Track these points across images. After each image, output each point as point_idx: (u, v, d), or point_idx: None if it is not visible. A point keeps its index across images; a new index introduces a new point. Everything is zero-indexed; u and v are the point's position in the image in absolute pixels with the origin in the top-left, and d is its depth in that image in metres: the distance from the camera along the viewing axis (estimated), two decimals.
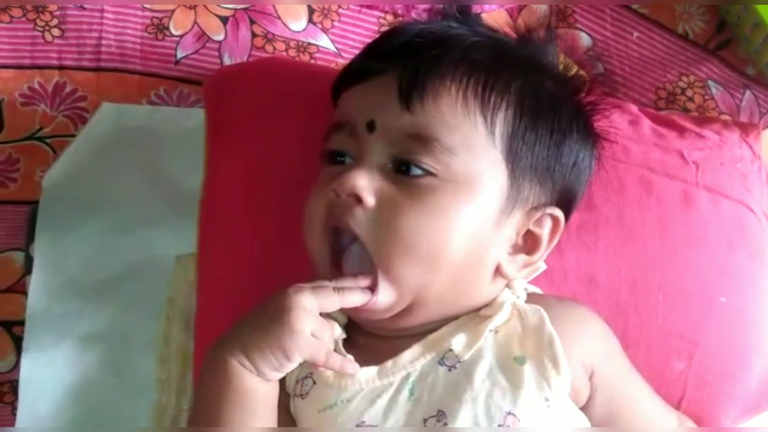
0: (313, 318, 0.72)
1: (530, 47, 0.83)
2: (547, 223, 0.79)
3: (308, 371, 0.79)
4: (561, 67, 0.85)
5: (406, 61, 0.76)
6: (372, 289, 0.75)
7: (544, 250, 0.80)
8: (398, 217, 0.73)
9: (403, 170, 0.75)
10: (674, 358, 0.90)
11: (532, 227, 0.79)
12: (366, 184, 0.74)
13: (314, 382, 0.79)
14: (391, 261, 0.74)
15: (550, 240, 0.80)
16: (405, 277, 0.74)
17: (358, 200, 0.74)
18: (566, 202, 0.82)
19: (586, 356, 0.79)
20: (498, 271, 0.78)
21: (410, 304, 0.76)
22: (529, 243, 0.79)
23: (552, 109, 0.79)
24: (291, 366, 0.73)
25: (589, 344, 0.80)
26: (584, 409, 0.80)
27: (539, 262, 0.81)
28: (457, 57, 0.76)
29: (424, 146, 0.74)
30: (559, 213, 0.80)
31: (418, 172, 0.74)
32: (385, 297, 0.75)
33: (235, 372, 0.73)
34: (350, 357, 0.77)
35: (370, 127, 0.76)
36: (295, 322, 0.71)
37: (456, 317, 0.79)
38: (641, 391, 0.84)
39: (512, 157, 0.76)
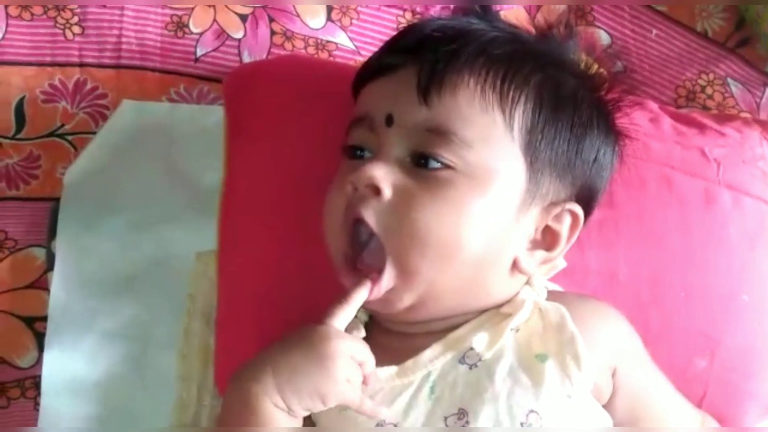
0: (351, 365, 0.73)
1: (550, 43, 0.83)
2: (567, 219, 0.79)
3: None
4: (582, 64, 0.85)
5: (424, 56, 0.77)
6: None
7: (563, 246, 0.80)
8: (413, 208, 0.74)
9: (421, 164, 0.75)
10: (696, 356, 0.90)
11: (551, 223, 0.79)
12: (383, 175, 0.75)
13: None
14: (404, 252, 0.74)
15: (570, 236, 0.80)
16: (417, 269, 0.74)
17: (376, 192, 0.75)
18: (587, 198, 0.82)
19: (608, 354, 0.79)
20: (516, 266, 0.78)
21: (423, 296, 0.76)
22: (548, 239, 0.79)
23: (572, 104, 0.79)
24: (324, 408, 0.74)
25: (611, 342, 0.80)
26: (606, 407, 0.80)
27: (558, 259, 0.81)
28: (475, 51, 0.76)
29: (441, 140, 0.74)
30: (578, 209, 0.79)
31: (435, 165, 0.74)
32: (388, 282, 0.75)
33: (267, 409, 0.73)
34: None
35: (389, 121, 0.77)
36: (338, 371, 0.72)
37: (475, 313, 0.79)
38: (663, 389, 0.84)
39: (531, 151, 0.76)
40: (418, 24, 0.86)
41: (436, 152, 0.74)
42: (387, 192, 0.75)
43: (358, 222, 0.76)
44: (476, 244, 0.75)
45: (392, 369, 0.77)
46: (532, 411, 0.73)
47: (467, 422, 0.74)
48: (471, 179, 0.74)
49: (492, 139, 0.75)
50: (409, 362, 0.77)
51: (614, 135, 0.84)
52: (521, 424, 0.73)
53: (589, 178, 0.81)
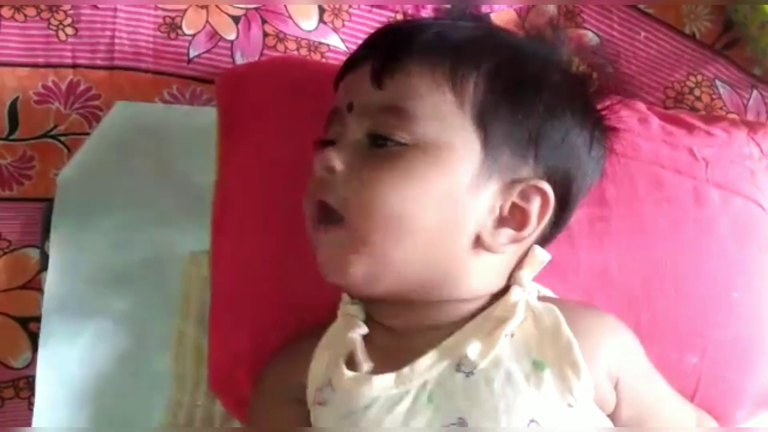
0: None
1: (522, 36, 0.85)
2: (536, 198, 0.79)
3: (327, 377, 0.80)
4: (568, 62, 0.85)
5: (383, 45, 0.80)
6: None
7: (534, 226, 0.79)
8: (363, 181, 0.75)
9: (379, 144, 0.77)
10: (688, 352, 0.90)
11: (517, 200, 0.78)
12: (335, 155, 0.77)
13: (333, 390, 0.79)
14: (356, 219, 0.75)
15: (540, 216, 0.79)
16: (368, 236, 0.75)
17: (332, 171, 0.77)
18: (562, 182, 0.81)
19: (611, 366, 0.78)
20: (480, 243, 0.78)
21: (378, 266, 0.76)
22: (517, 217, 0.79)
23: (534, 84, 0.80)
24: None
25: (612, 352, 0.79)
26: (611, 416, 0.80)
27: (530, 239, 0.80)
28: (430, 36, 0.79)
29: (393, 117, 0.76)
30: (546, 187, 0.79)
31: (389, 143, 0.76)
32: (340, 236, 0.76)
33: None
34: (361, 357, 0.78)
35: (349, 108, 0.79)
36: None
37: (463, 304, 0.79)
38: (663, 390, 0.84)
39: (484, 125, 0.77)
40: (388, 24, 0.90)
41: (389, 131, 0.76)
42: (339, 167, 0.77)
43: (321, 204, 0.78)
44: (426, 214, 0.76)
45: (390, 377, 0.77)
46: (532, 420, 0.73)
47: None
48: (421, 151, 0.75)
49: (442, 113, 0.76)
50: (406, 370, 0.76)
51: (590, 121, 0.84)
52: None
53: (560, 160, 0.80)
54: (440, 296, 0.79)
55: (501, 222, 0.78)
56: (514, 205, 0.78)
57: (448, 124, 0.76)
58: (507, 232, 0.78)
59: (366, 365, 0.78)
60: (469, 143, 0.76)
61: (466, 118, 0.77)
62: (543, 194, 0.79)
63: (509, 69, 0.79)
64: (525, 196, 0.79)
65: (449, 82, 0.77)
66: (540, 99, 0.79)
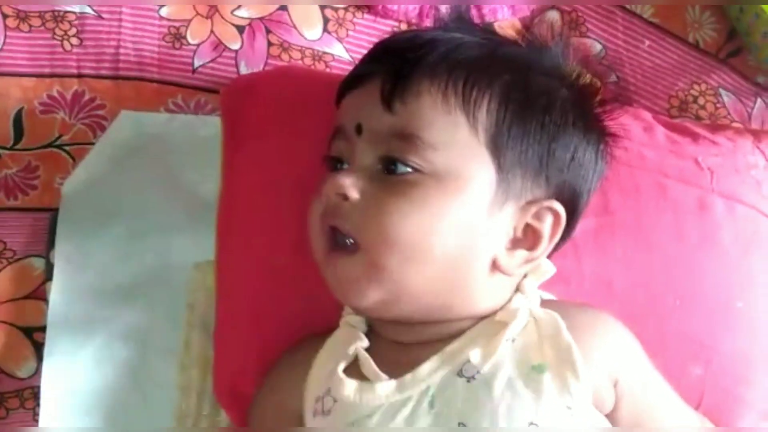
0: None
1: (526, 48, 0.84)
2: (548, 218, 0.79)
3: (327, 387, 0.80)
4: (564, 67, 0.84)
5: (389, 65, 0.78)
6: None
7: (545, 245, 0.79)
8: (381, 210, 0.75)
9: (391, 169, 0.76)
10: (691, 363, 0.90)
11: (531, 221, 0.78)
12: (350, 183, 0.76)
13: (335, 400, 0.79)
14: (373, 247, 0.75)
15: (552, 235, 0.79)
16: (385, 265, 0.75)
17: (345, 198, 0.76)
18: (570, 198, 0.81)
19: (609, 365, 0.79)
20: (496, 267, 0.78)
21: (394, 292, 0.76)
22: (530, 238, 0.79)
23: (543, 103, 0.79)
24: None
25: (611, 353, 0.79)
26: (609, 416, 0.80)
27: (542, 259, 0.81)
28: (438, 57, 0.78)
29: (407, 144, 0.75)
30: (558, 207, 0.79)
31: (403, 169, 0.75)
32: (354, 264, 0.76)
33: None
34: (377, 370, 0.78)
35: (358, 130, 0.78)
36: None
37: (470, 321, 0.80)
38: (665, 394, 0.84)
39: (498, 150, 0.76)
40: (392, 36, 0.88)
41: (402, 156, 0.75)
42: (354, 195, 0.76)
43: (333, 229, 0.78)
44: (445, 244, 0.75)
45: (392, 384, 0.77)
46: (532, 423, 0.73)
47: None
48: (437, 180, 0.75)
49: (456, 141, 0.76)
50: (408, 377, 0.77)
51: (596, 134, 0.84)
52: None
53: (568, 177, 0.80)
54: (448, 316, 0.80)
55: (515, 243, 0.79)
56: (527, 226, 0.79)
57: (462, 152, 0.76)
58: (521, 254, 0.79)
59: (377, 375, 0.78)
60: (485, 171, 0.76)
61: (479, 145, 0.76)
62: (555, 213, 0.79)
63: (519, 89, 0.78)
64: (538, 216, 0.79)
65: (462, 107, 0.76)
66: (550, 118, 0.79)
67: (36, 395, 1.00)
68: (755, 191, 0.95)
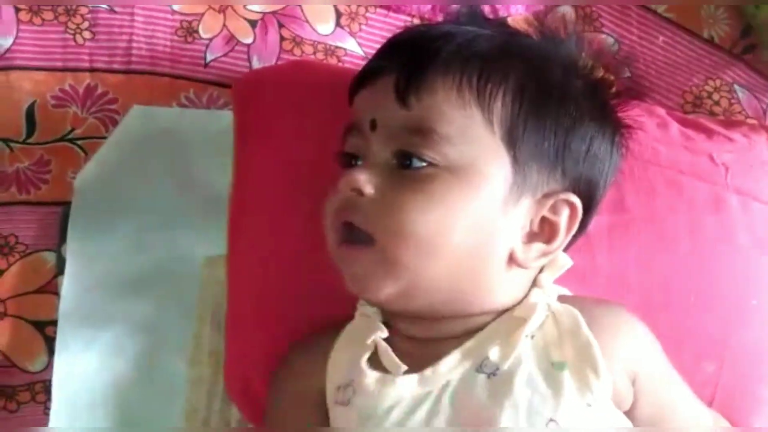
0: None
1: (540, 40, 0.84)
2: (564, 211, 0.79)
3: (350, 378, 0.80)
4: (579, 61, 0.84)
5: (402, 59, 0.78)
6: None
7: (562, 238, 0.79)
8: (396, 204, 0.75)
9: (406, 164, 0.76)
10: (705, 360, 0.90)
11: (547, 214, 0.78)
12: (366, 178, 0.76)
13: (354, 390, 0.79)
14: (388, 242, 0.75)
15: (569, 228, 0.79)
16: (401, 259, 0.75)
17: (361, 194, 0.76)
18: (586, 190, 0.81)
19: (628, 361, 0.78)
20: (513, 260, 0.78)
21: (410, 286, 0.76)
22: (546, 231, 0.79)
23: (558, 95, 0.79)
24: None
25: (630, 349, 0.79)
26: (628, 413, 0.80)
27: (559, 252, 0.80)
28: (452, 51, 0.77)
29: (422, 138, 0.75)
30: (575, 199, 0.79)
31: (418, 164, 0.75)
32: (370, 260, 0.76)
33: None
34: (396, 359, 0.78)
35: (372, 125, 0.78)
36: None
37: (490, 315, 0.79)
38: (681, 391, 0.84)
39: (513, 144, 0.76)
40: (405, 30, 0.88)
41: (417, 151, 0.75)
42: (368, 190, 0.76)
43: (347, 225, 0.77)
44: (460, 237, 0.75)
45: (413, 378, 0.77)
46: (551, 420, 0.73)
47: None
48: (453, 174, 0.75)
49: (471, 134, 0.75)
50: (428, 371, 0.77)
51: (611, 127, 0.83)
52: None
53: (584, 169, 0.80)
54: (467, 310, 0.79)
55: (531, 237, 0.79)
56: (543, 219, 0.78)
57: (478, 146, 0.76)
58: (538, 247, 0.78)
59: (401, 368, 0.77)
60: (500, 164, 0.76)
61: (495, 139, 0.76)
62: (571, 206, 0.79)
63: (534, 81, 0.78)
64: (554, 209, 0.79)
65: (476, 100, 0.76)
66: (565, 111, 0.78)
67: (47, 389, 1.00)
68: None
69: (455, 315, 0.79)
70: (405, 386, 0.76)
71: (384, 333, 0.81)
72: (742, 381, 0.91)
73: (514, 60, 0.79)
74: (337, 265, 0.80)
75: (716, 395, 0.90)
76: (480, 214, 0.75)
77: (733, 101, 1.15)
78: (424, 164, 0.75)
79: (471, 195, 0.75)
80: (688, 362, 0.89)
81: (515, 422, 0.73)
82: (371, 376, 0.78)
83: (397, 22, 1.13)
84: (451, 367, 0.77)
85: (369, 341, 0.80)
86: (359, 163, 0.80)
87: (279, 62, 1.10)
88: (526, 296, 0.80)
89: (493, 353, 0.76)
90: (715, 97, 1.15)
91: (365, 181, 0.76)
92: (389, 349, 0.79)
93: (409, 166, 0.75)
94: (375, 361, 0.80)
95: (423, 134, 0.75)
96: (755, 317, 0.91)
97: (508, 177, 0.76)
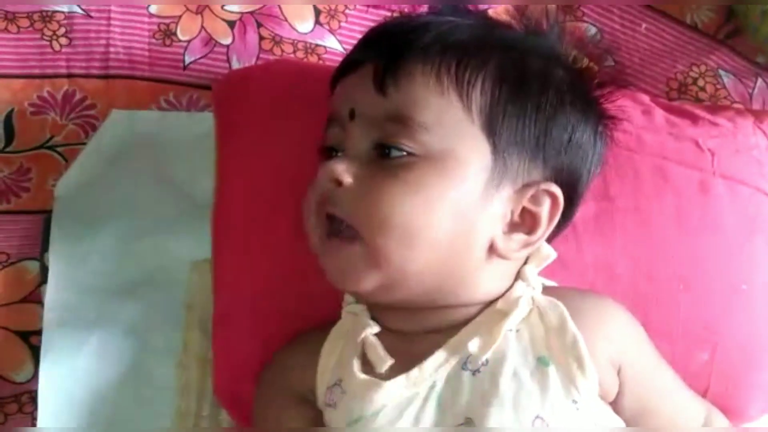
0: None
1: (520, 31, 0.83)
2: (546, 201, 0.78)
3: (338, 377, 0.80)
4: (570, 55, 0.84)
5: (381, 49, 0.78)
6: None
7: (544, 228, 0.78)
8: (374, 192, 0.74)
9: (385, 154, 0.75)
10: (697, 349, 0.89)
11: (527, 204, 0.78)
12: (344, 168, 0.76)
13: (343, 392, 0.79)
14: (370, 233, 0.74)
15: (550, 218, 0.79)
16: (382, 249, 0.74)
17: (339, 184, 0.76)
18: (568, 180, 0.80)
19: (612, 351, 0.78)
20: (494, 250, 0.77)
21: (392, 277, 0.76)
22: (528, 221, 0.78)
23: (539, 84, 0.78)
24: None
25: (614, 339, 0.79)
26: (614, 403, 0.79)
27: (541, 242, 0.80)
28: (431, 39, 0.77)
29: (400, 127, 0.75)
30: (556, 189, 0.78)
31: (397, 153, 0.75)
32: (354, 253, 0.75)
33: None
34: (383, 353, 0.77)
35: (351, 115, 0.78)
36: None
37: (475, 307, 0.79)
38: (670, 380, 0.83)
39: (493, 131, 0.76)
40: (384, 22, 0.88)
41: (395, 140, 0.75)
42: (347, 180, 0.76)
43: (330, 217, 0.77)
44: (440, 226, 0.75)
45: (400, 381, 0.76)
46: (537, 417, 0.73)
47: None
48: (431, 162, 0.74)
49: (450, 122, 0.75)
50: (414, 372, 0.76)
51: (594, 116, 0.83)
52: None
53: (566, 158, 0.80)
54: (450, 302, 0.79)
55: (512, 227, 0.78)
56: (524, 210, 0.78)
57: (457, 134, 0.75)
58: (519, 238, 0.78)
59: (386, 362, 0.77)
60: (479, 152, 0.75)
61: (474, 126, 0.76)
62: (553, 196, 0.78)
63: (514, 69, 0.78)
64: (535, 200, 0.78)
65: (455, 87, 0.76)
66: (546, 99, 0.78)
67: (34, 399, 0.99)
68: (757, 172, 0.94)
69: (438, 305, 0.79)
70: (392, 389, 0.76)
71: (375, 328, 0.80)
72: (736, 368, 0.90)
73: (494, 48, 0.78)
74: (320, 259, 0.80)
75: (710, 384, 0.89)
76: (459, 202, 0.75)
77: (718, 86, 1.14)
78: (403, 153, 0.75)
79: (450, 183, 0.75)
80: (680, 352, 0.88)
81: (501, 419, 0.72)
82: (359, 378, 0.77)
83: (377, 18, 1.12)
84: (437, 365, 0.76)
85: (359, 339, 0.80)
86: (339, 155, 0.79)
87: (259, 62, 1.10)
88: (510, 289, 0.79)
89: (473, 344, 0.76)
90: (701, 83, 1.14)
91: (343, 171, 0.76)
92: (378, 344, 0.78)
93: (388, 156, 0.75)
94: (363, 361, 0.79)
95: (401, 122, 0.75)
96: (745, 302, 0.90)
97: (488, 165, 0.75)
